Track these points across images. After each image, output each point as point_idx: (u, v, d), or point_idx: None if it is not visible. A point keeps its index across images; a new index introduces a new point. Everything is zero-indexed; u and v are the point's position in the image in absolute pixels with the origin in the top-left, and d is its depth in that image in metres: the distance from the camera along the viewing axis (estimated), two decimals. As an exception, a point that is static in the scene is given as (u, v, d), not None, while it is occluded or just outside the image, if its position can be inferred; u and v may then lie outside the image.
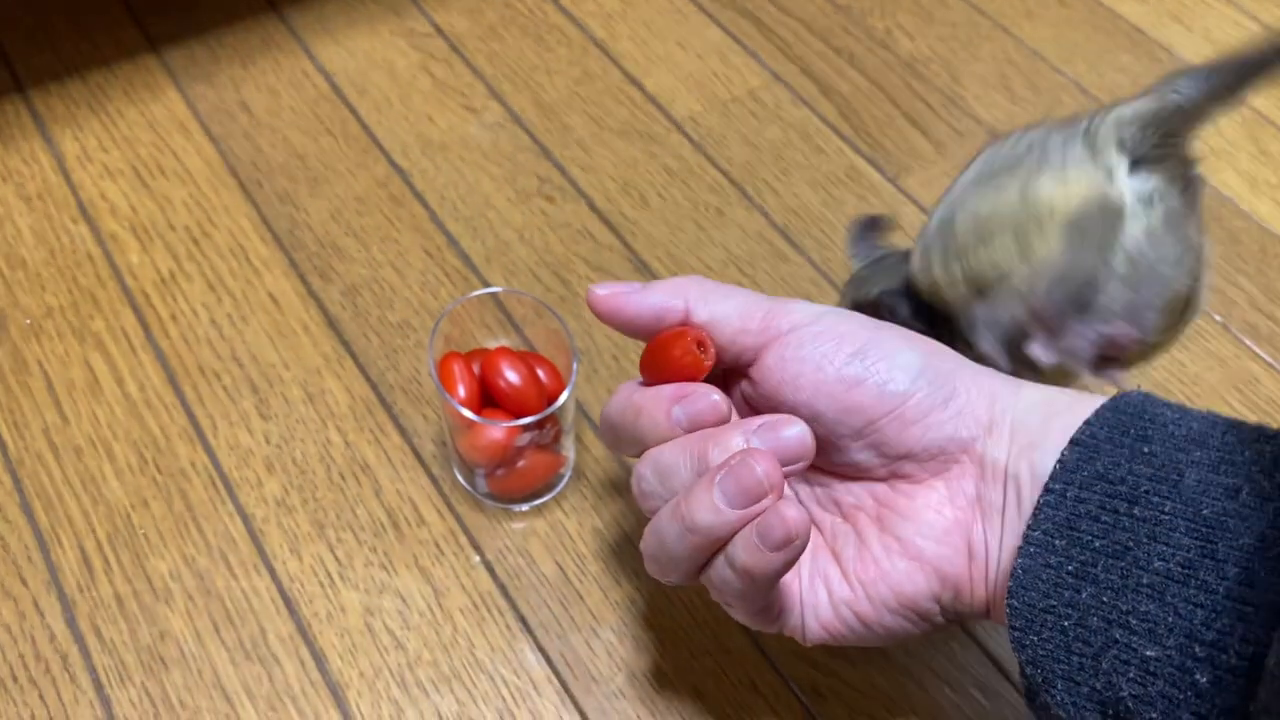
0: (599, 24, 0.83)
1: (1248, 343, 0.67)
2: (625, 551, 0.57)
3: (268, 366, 0.64)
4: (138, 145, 0.74)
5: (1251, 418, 0.64)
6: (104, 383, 0.63)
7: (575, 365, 0.54)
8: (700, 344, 0.45)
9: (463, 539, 0.57)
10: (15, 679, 0.53)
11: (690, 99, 0.78)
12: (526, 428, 0.54)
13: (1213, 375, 0.65)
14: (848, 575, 0.44)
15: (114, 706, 0.52)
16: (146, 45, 0.80)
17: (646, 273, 0.68)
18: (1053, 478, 0.40)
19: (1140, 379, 0.61)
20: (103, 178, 0.72)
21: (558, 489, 0.59)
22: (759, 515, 0.40)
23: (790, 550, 0.40)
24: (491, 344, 0.60)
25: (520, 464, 0.57)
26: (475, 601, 0.56)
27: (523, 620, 0.55)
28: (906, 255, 0.58)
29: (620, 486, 0.60)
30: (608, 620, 0.55)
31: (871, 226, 0.60)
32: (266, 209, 0.71)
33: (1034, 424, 0.42)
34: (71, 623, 0.54)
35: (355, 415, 0.62)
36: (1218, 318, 0.68)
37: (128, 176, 0.72)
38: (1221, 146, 0.76)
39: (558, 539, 0.58)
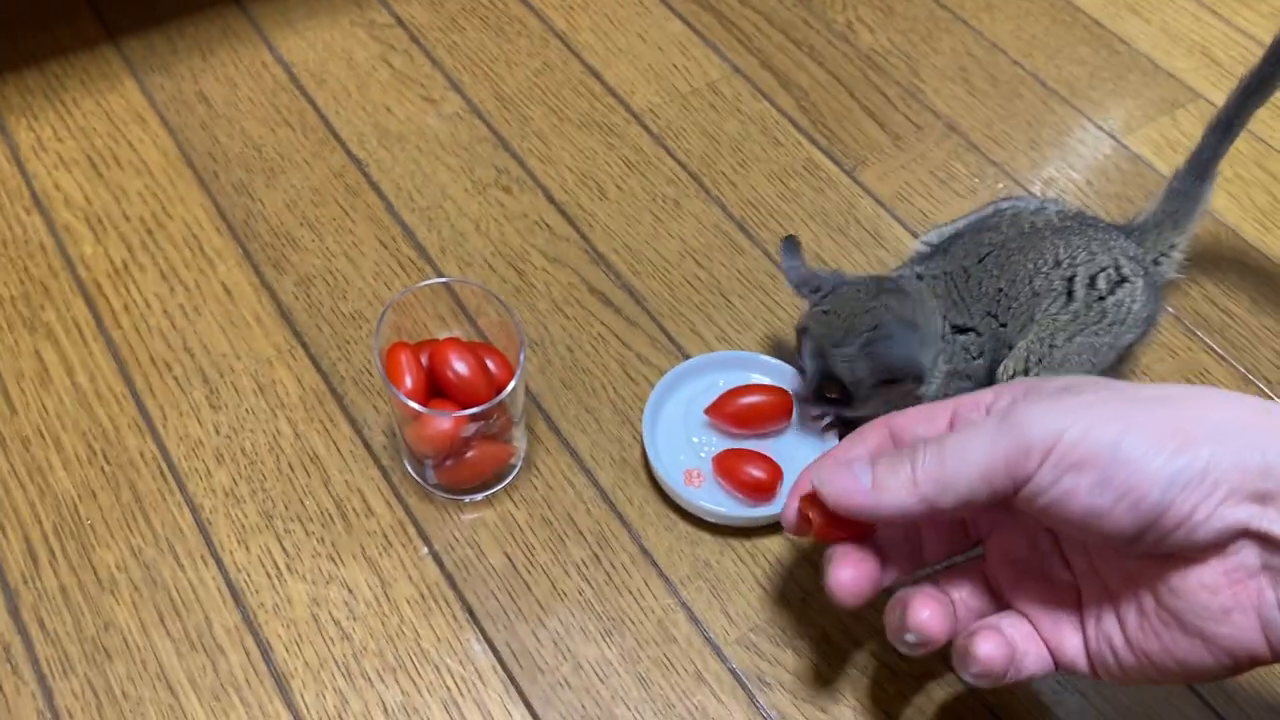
0: (560, 15, 0.83)
1: (1199, 334, 0.67)
2: (574, 542, 0.57)
3: (219, 357, 0.63)
4: (93, 135, 0.74)
5: (1199, 409, 0.64)
6: (54, 373, 0.62)
7: (523, 356, 0.54)
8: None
9: (411, 530, 0.57)
10: (-42, 670, 0.52)
11: (650, 91, 0.78)
12: (474, 418, 0.54)
13: (1163, 366, 0.65)
14: (1132, 645, 0.43)
15: (56, 698, 0.52)
16: (105, 35, 0.80)
17: (603, 264, 0.68)
18: None
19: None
20: (57, 168, 0.72)
21: (508, 480, 0.59)
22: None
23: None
24: (443, 334, 0.60)
25: (469, 455, 0.57)
26: (422, 592, 0.56)
27: (470, 611, 0.55)
28: (868, 286, 0.57)
29: (571, 477, 0.60)
30: (555, 610, 0.55)
31: (796, 245, 0.61)
32: (222, 199, 0.71)
33: None
34: (14, 614, 0.54)
35: (305, 406, 0.62)
36: (1170, 309, 0.68)
37: (83, 167, 0.72)
38: (1177, 139, 0.77)
39: (507, 530, 0.58)
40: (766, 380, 0.62)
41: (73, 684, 0.52)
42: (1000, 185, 0.74)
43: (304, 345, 0.64)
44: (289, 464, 0.59)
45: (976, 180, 0.74)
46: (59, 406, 0.61)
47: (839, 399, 0.57)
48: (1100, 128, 0.78)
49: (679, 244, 0.70)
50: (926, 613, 0.45)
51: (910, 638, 0.45)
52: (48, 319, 0.65)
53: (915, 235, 0.71)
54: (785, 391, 0.61)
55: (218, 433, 0.60)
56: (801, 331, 0.58)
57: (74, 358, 0.63)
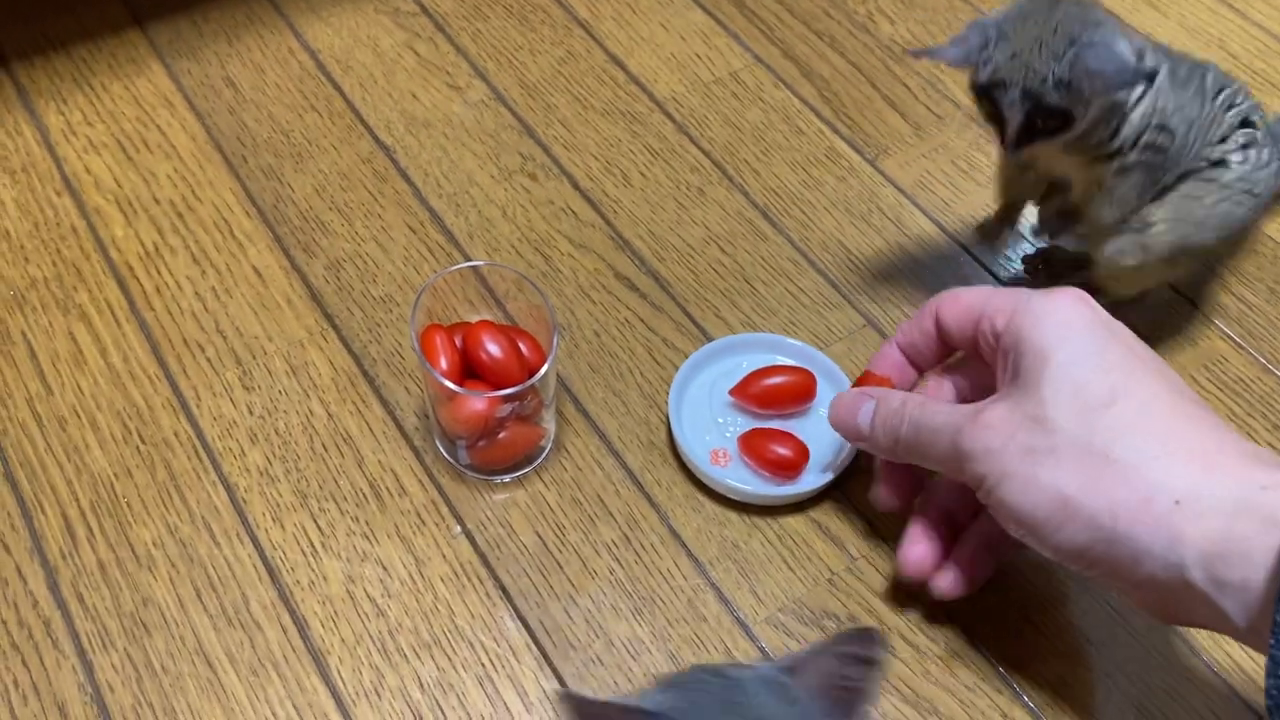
0: (583, 4, 0.83)
1: (1217, 322, 0.68)
2: (604, 522, 0.58)
3: (251, 339, 0.64)
4: (122, 119, 0.74)
5: (1219, 396, 0.65)
6: (88, 354, 0.63)
7: (555, 339, 0.55)
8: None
9: (444, 509, 0.58)
10: (-1, 644, 0.53)
11: (673, 80, 0.79)
12: (507, 399, 0.55)
13: (1182, 354, 0.66)
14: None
15: (96, 672, 0.53)
16: (132, 20, 0.80)
17: (628, 250, 0.69)
18: None
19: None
20: (87, 151, 0.72)
21: (538, 461, 0.60)
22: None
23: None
24: (474, 318, 0.61)
25: (501, 435, 0.57)
26: (456, 570, 0.56)
27: (502, 589, 0.56)
28: (1038, 4, 0.54)
29: (599, 459, 0.60)
30: (586, 589, 0.56)
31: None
32: (251, 184, 0.71)
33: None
34: (54, 589, 0.55)
35: (338, 387, 0.62)
36: (1189, 299, 0.69)
37: (112, 150, 0.73)
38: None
39: (538, 509, 0.58)
40: (790, 362, 0.63)
41: (112, 658, 0.53)
42: (1020, 175, 0.74)
43: (335, 328, 0.65)
44: (322, 444, 0.60)
45: (997, 170, 0.75)
46: (94, 387, 0.62)
47: (1055, 128, 0.55)
48: (1118, 119, 0.78)
49: (703, 231, 0.71)
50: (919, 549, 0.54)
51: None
52: (81, 301, 0.65)
53: (938, 224, 0.72)
54: (809, 372, 0.62)
55: (251, 413, 0.61)
56: (991, 88, 0.55)
57: (107, 339, 0.64)
